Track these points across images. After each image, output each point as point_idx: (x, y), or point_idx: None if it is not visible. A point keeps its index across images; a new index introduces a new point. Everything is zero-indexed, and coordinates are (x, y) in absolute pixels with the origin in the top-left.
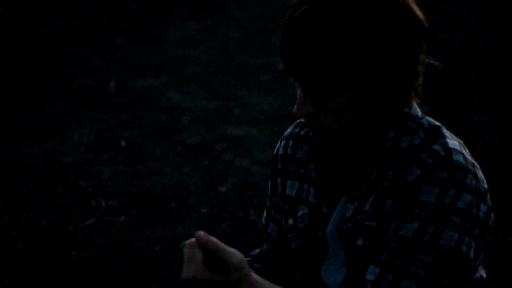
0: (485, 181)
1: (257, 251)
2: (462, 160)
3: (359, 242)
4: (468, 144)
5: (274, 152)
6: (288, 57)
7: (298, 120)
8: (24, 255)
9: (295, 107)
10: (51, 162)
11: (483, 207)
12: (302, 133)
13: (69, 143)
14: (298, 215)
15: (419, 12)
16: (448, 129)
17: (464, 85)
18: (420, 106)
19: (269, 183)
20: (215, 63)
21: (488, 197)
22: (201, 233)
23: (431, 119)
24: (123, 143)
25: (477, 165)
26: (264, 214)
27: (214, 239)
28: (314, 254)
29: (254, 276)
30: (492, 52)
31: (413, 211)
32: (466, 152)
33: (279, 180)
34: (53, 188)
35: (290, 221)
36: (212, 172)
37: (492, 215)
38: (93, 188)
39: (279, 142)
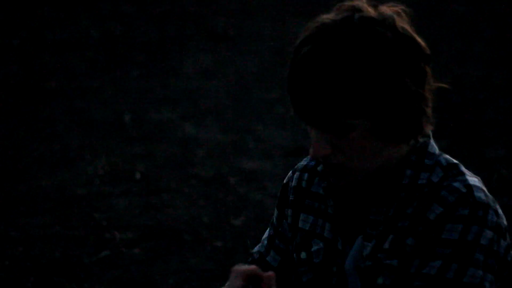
0: (504, 217)
1: None
2: (483, 196)
3: (380, 280)
4: (483, 179)
5: (285, 181)
6: (297, 100)
7: None
8: (38, 287)
9: (311, 150)
10: (66, 194)
11: (503, 243)
12: (319, 168)
13: (83, 175)
14: (313, 249)
15: (419, 39)
16: (463, 163)
17: (479, 120)
18: (435, 140)
19: (276, 212)
20: (230, 96)
21: (507, 233)
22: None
23: (448, 157)
24: (137, 176)
25: (496, 201)
26: (264, 241)
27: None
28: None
29: None
30: (507, 87)
31: (436, 250)
32: (485, 189)
33: (289, 211)
34: (67, 220)
35: (303, 254)
36: (226, 205)
37: (511, 252)
38: (107, 220)
39: (290, 172)
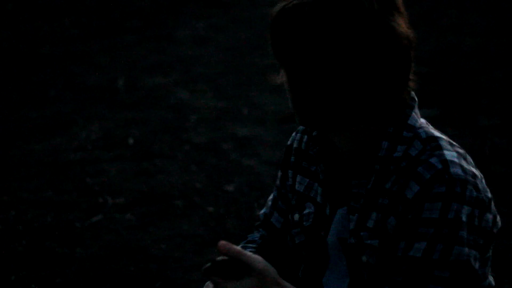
0: (487, 189)
1: (256, 236)
2: (460, 172)
3: (364, 258)
4: (476, 147)
5: (289, 142)
6: (276, 38)
7: None
8: (30, 251)
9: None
10: (58, 159)
11: (488, 217)
12: (314, 132)
13: (76, 140)
14: (304, 212)
15: (402, 28)
16: (456, 132)
17: (473, 89)
18: (428, 108)
19: (279, 173)
20: (224, 62)
21: (493, 205)
22: (222, 242)
23: (430, 129)
24: (130, 141)
25: (478, 174)
26: (269, 203)
27: (236, 247)
28: (316, 257)
29: (285, 283)
30: (502, 56)
31: (419, 229)
32: (467, 163)
33: (290, 172)
34: (59, 185)
35: (296, 216)
36: (219, 171)
37: (499, 222)
38: (100, 185)
39: (294, 133)
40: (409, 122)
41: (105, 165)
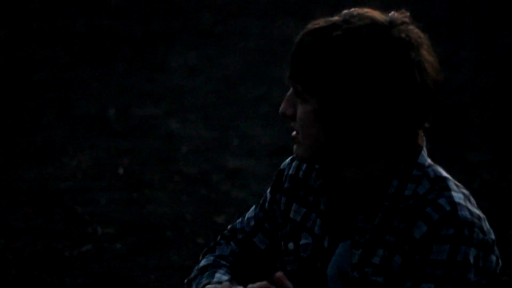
0: (491, 231)
1: (226, 251)
2: (467, 214)
3: None
4: (465, 183)
5: (281, 167)
6: (297, 55)
7: None
8: (19, 280)
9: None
10: (48, 187)
11: (492, 258)
12: (317, 166)
13: (66, 168)
14: (301, 242)
15: (431, 70)
16: (446, 167)
17: (462, 124)
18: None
19: (268, 196)
20: (215, 93)
21: (495, 246)
22: (280, 274)
23: (438, 169)
24: (120, 171)
25: (482, 215)
26: (251, 222)
27: (290, 283)
28: (311, 285)
29: None
30: (491, 91)
31: (426, 270)
32: (471, 204)
33: (283, 198)
34: (49, 213)
35: (291, 245)
36: (209, 202)
37: (500, 262)
38: (90, 214)
39: (289, 159)
40: (418, 160)
41: (95, 194)
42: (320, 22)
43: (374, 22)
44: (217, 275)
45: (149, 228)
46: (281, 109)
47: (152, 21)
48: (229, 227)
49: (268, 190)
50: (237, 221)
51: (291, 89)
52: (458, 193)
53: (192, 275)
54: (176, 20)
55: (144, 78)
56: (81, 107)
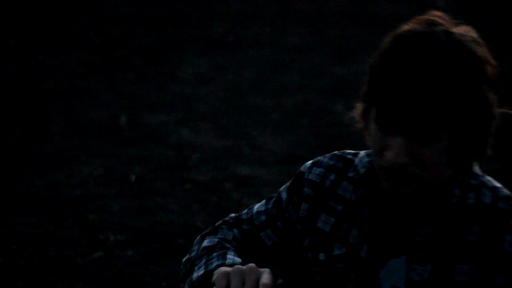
0: None
1: (229, 236)
2: None
3: None
4: None
5: (301, 169)
6: (393, 106)
7: (334, 153)
8: (30, 286)
9: (389, 155)
10: (60, 194)
11: None
12: (351, 174)
13: (78, 176)
14: (335, 253)
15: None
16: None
17: None
18: None
19: (284, 195)
20: (226, 101)
21: None
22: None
23: (489, 178)
24: (132, 178)
25: None
26: (261, 216)
27: None
28: None
29: None
30: (500, 99)
31: None
32: None
33: (304, 205)
34: (61, 220)
35: (322, 256)
36: (220, 210)
37: None
38: (101, 221)
39: (310, 163)
40: (473, 170)
41: (107, 202)
42: (423, 45)
43: (474, 40)
44: (229, 256)
45: (160, 236)
46: (392, 159)
47: (163, 30)
48: (232, 215)
49: (284, 190)
50: (243, 212)
51: (397, 138)
52: None
53: (194, 254)
54: (187, 28)
55: (155, 86)
56: (92, 115)
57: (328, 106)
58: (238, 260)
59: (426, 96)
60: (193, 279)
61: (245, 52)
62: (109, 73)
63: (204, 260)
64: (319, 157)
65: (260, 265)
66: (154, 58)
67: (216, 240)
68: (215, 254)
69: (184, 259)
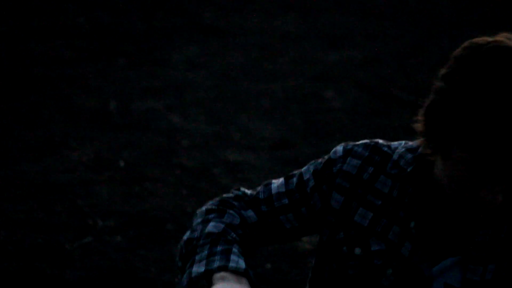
0: None
1: (236, 221)
2: None
3: None
4: None
5: (331, 156)
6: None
7: (367, 143)
8: (20, 272)
9: (486, 196)
10: (49, 180)
11: None
12: (393, 171)
13: (67, 162)
14: (373, 249)
15: None
16: None
17: None
18: (410, 137)
19: (312, 181)
20: (217, 88)
21: None
22: None
23: None
24: (122, 164)
25: None
26: (285, 200)
27: None
28: None
29: None
30: None
31: None
32: None
33: (336, 195)
34: (50, 206)
35: (358, 251)
36: (210, 195)
37: None
38: (90, 207)
39: (342, 151)
40: None
41: (96, 187)
42: None
43: None
44: (233, 257)
45: (150, 221)
46: (489, 201)
47: (154, 16)
48: (245, 190)
49: (310, 174)
50: (258, 189)
51: (498, 186)
52: None
53: (197, 235)
54: (177, 15)
55: (145, 72)
56: (82, 101)
57: (318, 92)
58: (242, 265)
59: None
60: (193, 274)
61: (236, 39)
62: (100, 60)
63: (206, 252)
64: (349, 144)
65: (264, 240)
66: (145, 44)
67: (222, 226)
68: (219, 248)
69: (185, 237)
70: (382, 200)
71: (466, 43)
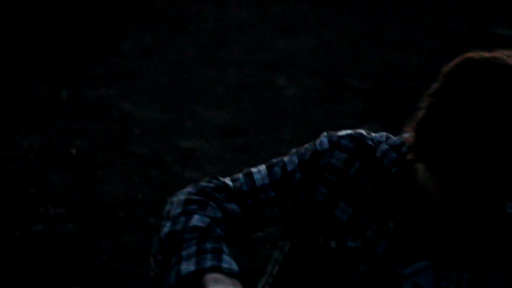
0: None
1: (219, 214)
2: None
3: None
4: None
5: (319, 149)
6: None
7: (352, 134)
8: None
9: (479, 215)
10: (0, 168)
11: None
12: (376, 169)
13: (18, 149)
14: (349, 245)
15: None
16: None
17: (416, 106)
18: (376, 124)
19: (298, 173)
20: (169, 75)
21: None
22: None
23: None
24: (73, 152)
25: None
26: (271, 193)
27: None
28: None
29: None
30: None
31: None
32: None
33: (323, 189)
34: (1, 194)
35: (333, 243)
36: (162, 183)
37: None
38: (42, 195)
39: (333, 148)
40: None
41: (48, 175)
42: None
43: None
44: (225, 257)
45: (101, 209)
46: (483, 219)
47: (106, 3)
48: (228, 182)
49: (296, 165)
50: (240, 180)
51: (494, 206)
52: None
53: (180, 228)
54: (129, 2)
55: (97, 60)
56: (33, 89)
57: (271, 80)
58: (235, 267)
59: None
60: (182, 272)
61: (188, 26)
62: (51, 48)
63: (195, 248)
64: (334, 136)
65: (244, 231)
66: (96, 32)
67: (208, 221)
68: (209, 246)
69: (167, 229)
70: (363, 197)
71: (459, 58)
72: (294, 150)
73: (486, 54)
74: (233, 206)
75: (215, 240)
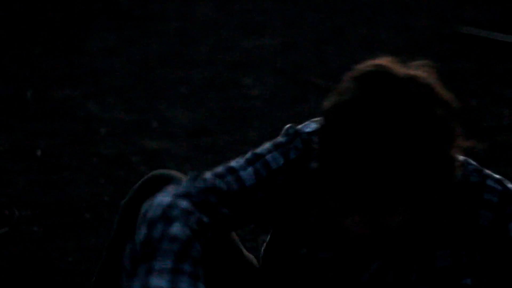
0: None
1: (207, 219)
2: None
3: None
4: None
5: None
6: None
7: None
8: None
9: (349, 225)
10: None
11: None
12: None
13: None
14: (320, 256)
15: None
16: None
17: None
18: None
19: (282, 160)
20: (134, 75)
21: None
22: None
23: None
24: (38, 153)
25: None
26: (260, 194)
27: None
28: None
29: None
30: None
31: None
32: None
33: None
34: None
35: (304, 250)
36: (128, 184)
37: None
38: (7, 197)
39: (299, 136)
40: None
41: (12, 177)
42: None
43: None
44: (201, 286)
45: (67, 211)
46: (353, 230)
47: (70, 3)
48: (218, 183)
49: (281, 165)
50: (227, 177)
51: (354, 217)
52: None
53: (157, 236)
54: (94, 1)
55: (62, 60)
56: None
57: (237, 79)
58: None
59: (386, 179)
60: (151, 285)
61: (153, 25)
62: (15, 47)
63: (170, 264)
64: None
65: (230, 230)
66: (61, 32)
67: (188, 232)
68: (187, 268)
69: (142, 237)
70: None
71: (350, 73)
72: (269, 144)
73: (371, 65)
74: (223, 211)
75: (194, 262)
